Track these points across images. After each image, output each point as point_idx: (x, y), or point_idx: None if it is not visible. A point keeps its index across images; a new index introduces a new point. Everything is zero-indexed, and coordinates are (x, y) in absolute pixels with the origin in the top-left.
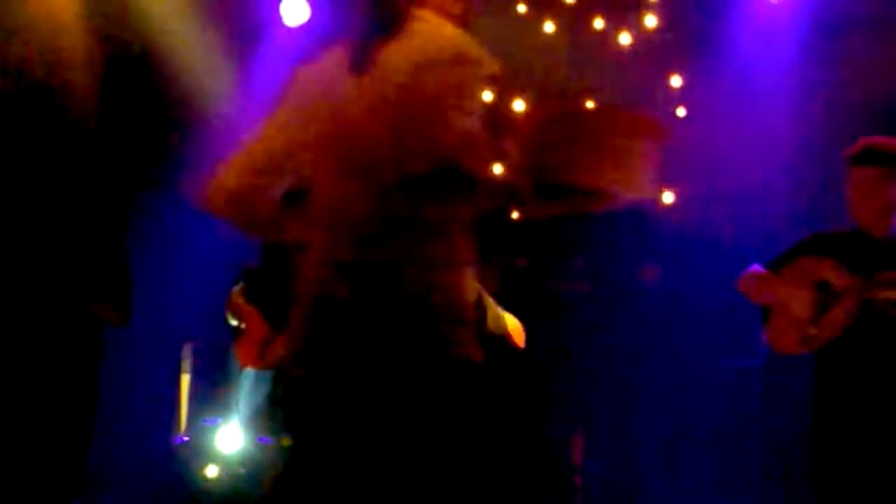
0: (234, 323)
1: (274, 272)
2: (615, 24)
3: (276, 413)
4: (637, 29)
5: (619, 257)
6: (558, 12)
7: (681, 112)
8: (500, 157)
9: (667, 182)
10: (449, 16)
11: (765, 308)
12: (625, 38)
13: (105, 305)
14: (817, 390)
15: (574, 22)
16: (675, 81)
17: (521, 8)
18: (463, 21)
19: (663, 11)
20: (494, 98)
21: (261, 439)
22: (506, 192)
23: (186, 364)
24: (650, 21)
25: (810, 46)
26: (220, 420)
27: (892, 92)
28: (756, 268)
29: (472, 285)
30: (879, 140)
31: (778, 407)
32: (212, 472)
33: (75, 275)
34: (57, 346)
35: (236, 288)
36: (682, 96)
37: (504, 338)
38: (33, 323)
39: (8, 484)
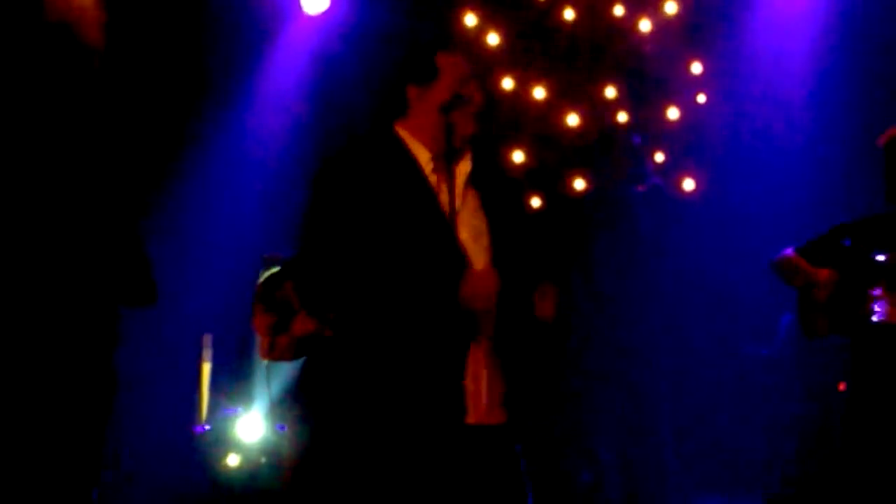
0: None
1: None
2: (635, 11)
3: (298, 402)
4: (657, 16)
5: (638, 245)
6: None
7: (701, 98)
8: None
9: (687, 168)
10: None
11: (800, 291)
12: (645, 25)
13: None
14: (851, 382)
15: (594, 10)
16: (696, 68)
17: None
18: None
19: None
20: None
21: (281, 428)
22: None
23: (207, 353)
24: (670, 7)
25: (831, 32)
26: (240, 409)
27: None
28: (789, 252)
29: None
30: None
31: (795, 396)
32: (233, 460)
33: (93, 261)
34: (72, 333)
35: (265, 276)
36: (703, 83)
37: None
38: (48, 310)
39: (25, 473)
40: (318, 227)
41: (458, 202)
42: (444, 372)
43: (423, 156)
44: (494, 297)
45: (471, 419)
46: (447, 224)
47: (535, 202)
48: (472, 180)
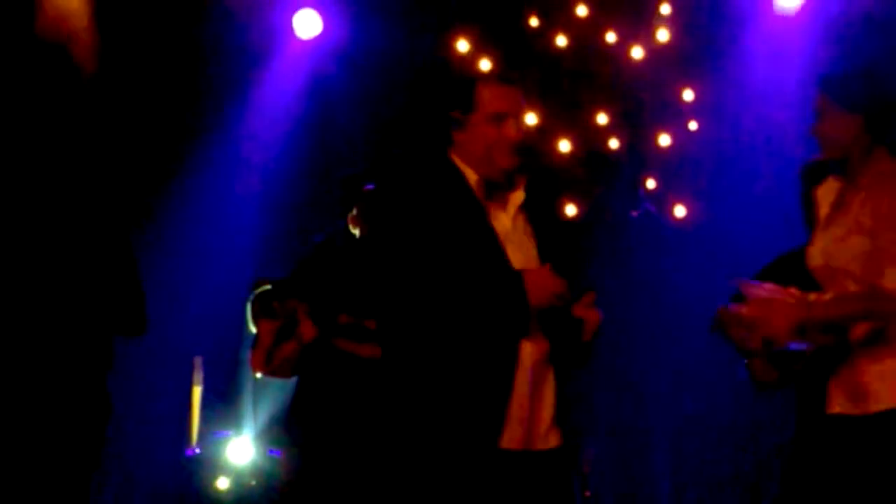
0: (253, 330)
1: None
2: (627, 38)
3: (291, 425)
4: (649, 43)
5: (631, 269)
6: (570, 26)
7: (693, 125)
8: None
9: (679, 195)
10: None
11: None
12: (637, 52)
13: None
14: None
15: (586, 36)
16: (688, 95)
17: (534, 21)
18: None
19: (675, 25)
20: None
21: (272, 452)
22: None
23: (198, 376)
24: (662, 35)
25: (823, 58)
26: (231, 432)
27: None
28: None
29: None
30: None
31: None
32: (223, 484)
33: (85, 285)
34: (65, 356)
35: (256, 293)
36: (695, 110)
37: None
38: (40, 333)
39: (15, 497)
40: (385, 249)
41: (508, 227)
42: (486, 395)
43: (474, 179)
44: (556, 294)
45: (513, 444)
46: (499, 247)
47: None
48: (525, 206)
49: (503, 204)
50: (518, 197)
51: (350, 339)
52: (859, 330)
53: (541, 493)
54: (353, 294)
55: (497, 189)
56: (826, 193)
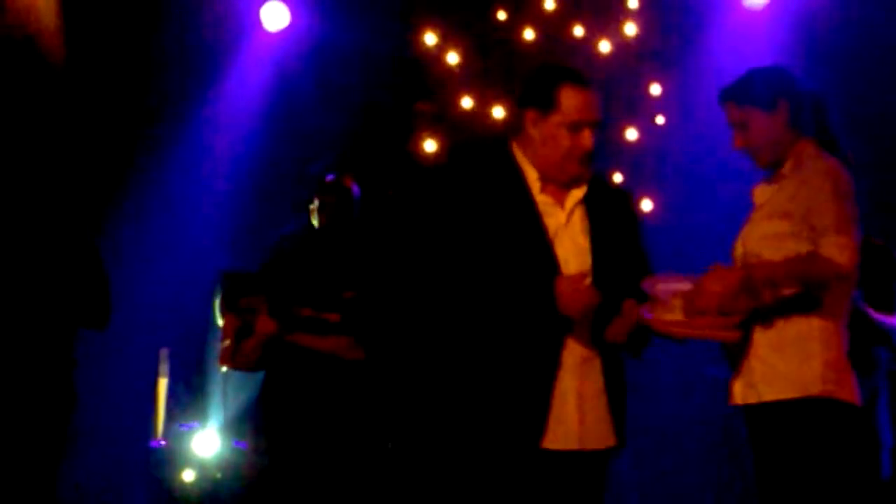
0: (220, 323)
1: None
2: (595, 32)
3: (257, 417)
4: (617, 37)
5: None
6: (538, 20)
7: (660, 120)
8: None
9: (645, 189)
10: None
11: None
12: (604, 46)
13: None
14: None
15: (554, 30)
16: (655, 89)
17: (502, 15)
18: None
19: (643, 19)
20: (474, 105)
21: (238, 444)
22: None
23: (164, 368)
24: (630, 29)
25: (790, 53)
26: (197, 424)
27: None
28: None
29: None
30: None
31: None
32: (189, 476)
33: (49, 278)
34: (30, 349)
35: (221, 285)
36: (662, 104)
37: None
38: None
39: None
40: (430, 231)
41: (562, 222)
42: (523, 396)
43: (532, 175)
44: (587, 305)
45: (559, 444)
46: (546, 242)
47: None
48: (586, 203)
49: (561, 199)
50: (578, 193)
51: (310, 333)
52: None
53: (590, 490)
54: (317, 287)
55: (556, 185)
56: (763, 192)
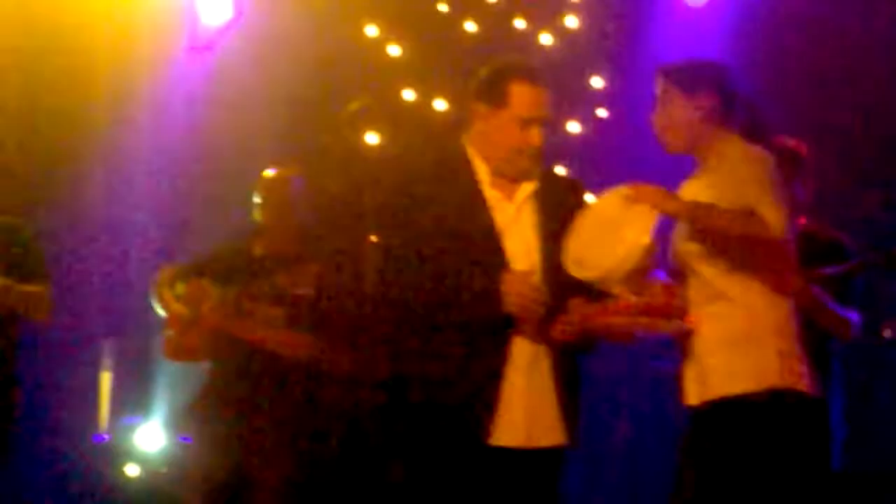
0: (161, 313)
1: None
2: (537, 24)
3: (201, 411)
4: (559, 30)
5: None
6: (480, 12)
7: (602, 113)
8: None
9: (587, 183)
10: None
11: None
12: (546, 39)
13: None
14: None
15: (496, 22)
16: (597, 82)
17: (443, 7)
18: None
19: (585, 12)
20: (417, 97)
21: (182, 438)
22: None
23: (107, 361)
24: (571, 22)
25: (732, 49)
26: (140, 418)
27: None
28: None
29: None
30: (780, 141)
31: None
32: (132, 470)
33: None
34: None
35: (162, 276)
36: (604, 97)
37: None
38: None
39: None
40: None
41: (511, 217)
42: (471, 393)
43: (483, 170)
44: (533, 303)
45: (507, 441)
46: (495, 237)
47: None
48: (536, 198)
49: (511, 194)
50: (528, 188)
51: (253, 326)
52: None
53: (541, 489)
54: (261, 282)
55: (506, 179)
56: (690, 187)
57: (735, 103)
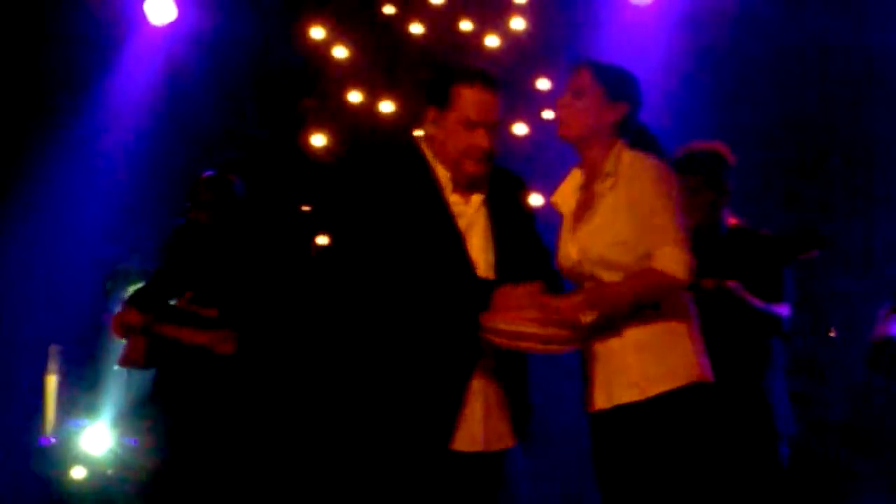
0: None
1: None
2: (483, 26)
3: (148, 413)
4: (504, 31)
5: None
6: (426, 14)
7: (548, 115)
8: None
9: (534, 185)
10: None
11: None
12: (492, 41)
13: None
14: None
15: (442, 24)
16: (543, 84)
17: (389, 9)
18: None
19: (530, 14)
20: (363, 99)
21: (129, 440)
22: None
23: (53, 364)
24: (517, 24)
25: (677, 51)
26: (87, 421)
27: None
28: None
29: None
30: (705, 147)
31: None
32: (78, 473)
33: None
34: None
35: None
36: (550, 99)
37: None
38: None
39: None
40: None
41: (471, 221)
42: (437, 397)
43: (444, 175)
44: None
45: (467, 446)
46: (459, 242)
47: None
48: (488, 200)
49: (468, 198)
50: (482, 191)
51: (181, 326)
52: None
53: (492, 491)
54: (197, 282)
55: (463, 184)
56: (566, 197)
57: (636, 115)
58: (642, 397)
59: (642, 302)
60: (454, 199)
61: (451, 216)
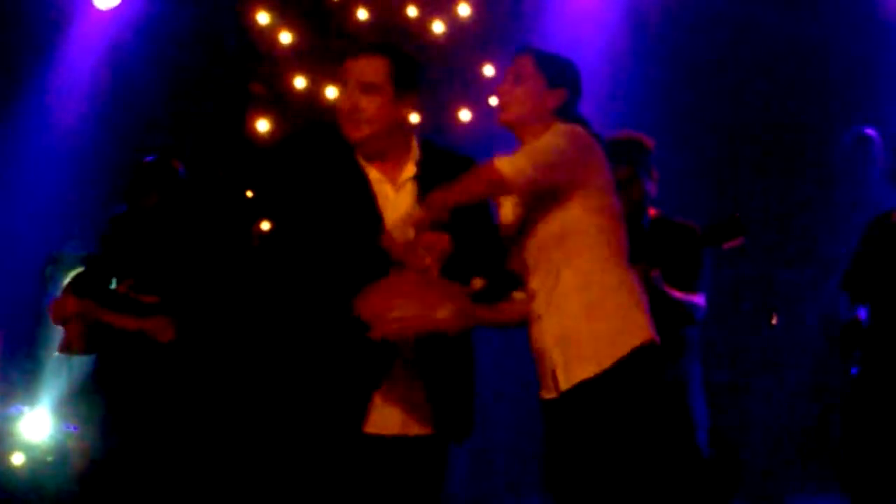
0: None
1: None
2: (429, 12)
3: (87, 400)
4: (450, 18)
5: None
6: (372, 0)
7: (494, 101)
8: None
9: None
10: None
11: None
12: (438, 27)
13: None
14: None
15: (388, 10)
16: (488, 70)
17: None
18: None
19: (476, 0)
20: (308, 85)
21: (69, 427)
22: None
23: None
24: (463, 10)
25: (623, 38)
26: (26, 407)
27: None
28: None
29: None
30: (625, 136)
31: None
32: (18, 459)
33: None
34: None
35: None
36: (495, 85)
37: None
38: None
39: None
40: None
41: (391, 198)
42: (349, 379)
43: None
44: (415, 249)
45: (381, 429)
46: (377, 217)
47: None
48: (419, 179)
49: (393, 175)
50: (411, 169)
51: (120, 312)
52: None
53: (413, 478)
54: (137, 268)
55: (380, 160)
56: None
57: (576, 102)
58: (599, 370)
59: (473, 200)
60: (375, 175)
61: (371, 193)
